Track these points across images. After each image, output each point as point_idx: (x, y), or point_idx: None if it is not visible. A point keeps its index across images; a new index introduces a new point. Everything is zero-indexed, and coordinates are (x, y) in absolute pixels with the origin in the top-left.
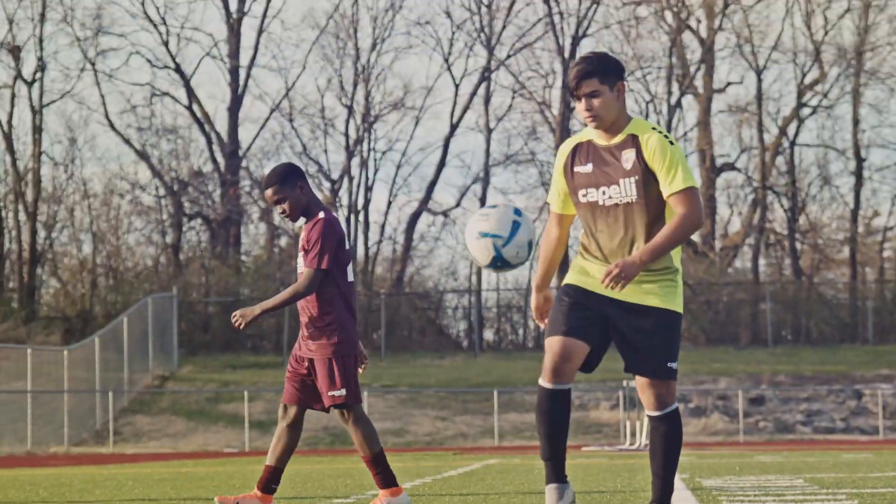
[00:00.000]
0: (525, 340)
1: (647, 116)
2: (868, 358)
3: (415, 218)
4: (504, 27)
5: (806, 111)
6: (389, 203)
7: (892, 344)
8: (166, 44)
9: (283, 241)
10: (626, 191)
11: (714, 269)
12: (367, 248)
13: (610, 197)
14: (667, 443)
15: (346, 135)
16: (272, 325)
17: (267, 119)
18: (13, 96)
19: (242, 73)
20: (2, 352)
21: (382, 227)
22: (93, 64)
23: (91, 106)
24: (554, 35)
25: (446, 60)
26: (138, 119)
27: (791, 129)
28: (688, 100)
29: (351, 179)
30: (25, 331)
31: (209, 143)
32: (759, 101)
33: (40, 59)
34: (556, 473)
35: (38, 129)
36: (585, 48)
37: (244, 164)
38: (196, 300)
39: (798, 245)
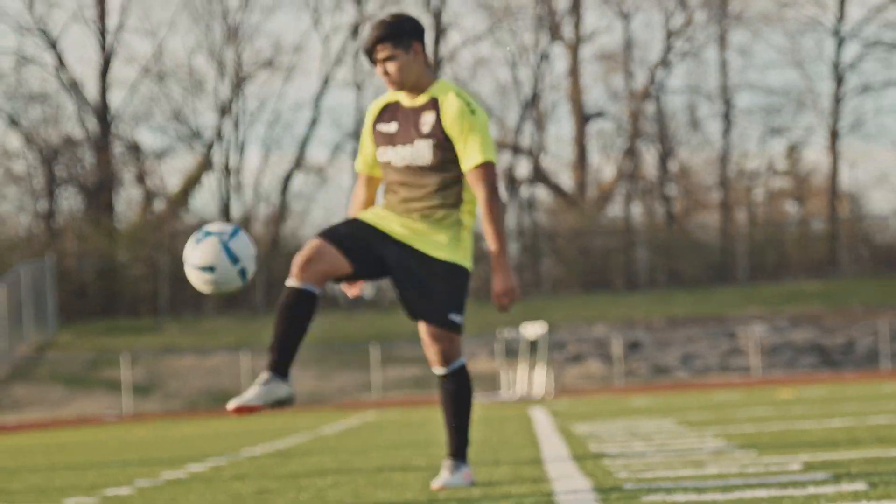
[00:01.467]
0: None
1: (516, 68)
2: (740, 299)
3: (289, 176)
4: None
5: (673, 57)
6: (263, 163)
7: (764, 284)
8: (30, 7)
9: (158, 205)
10: (420, 153)
11: (587, 218)
12: (242, 210)
13: (403, 157)
14: (456, 401)
15: (217, 95)
16: (148, 290)
17: (137, 82)
18: None
19: (110, 37)
20: None
21: (256, 187)
22: None
23: None
24: None
25: (315, 16)
26: (5, 86)
27: (659, 76)
28: (557, 49)
29: (223, 141)
30: None
31: (79, 108)
32: (626, 48)
33: None
34: (273, 364)
35: None
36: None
37: (115, 128)
38: (72, 267)
39: (669, 190)
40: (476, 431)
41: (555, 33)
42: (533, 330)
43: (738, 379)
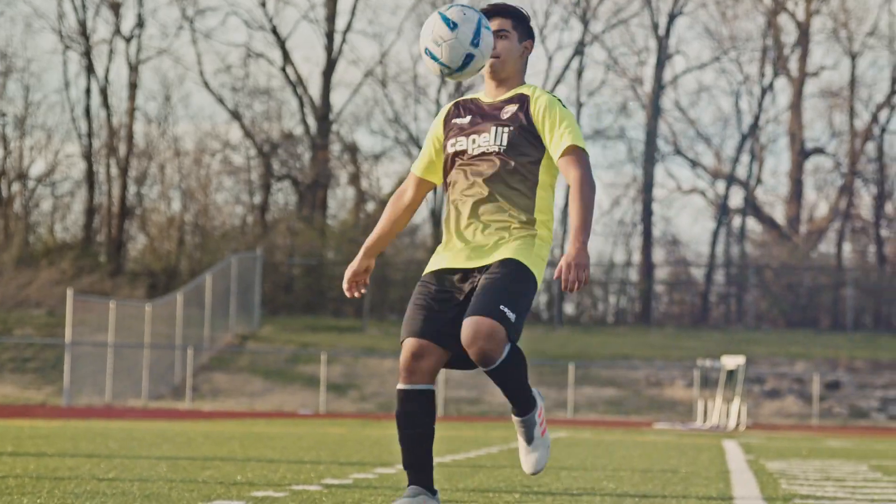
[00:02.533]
0: (605, 315)
1: (739, 97)
2: None
3: None
4: (600, 1)
5: None
6: None
7: None
8: (263, 5)
9: (370, 207)
10: (495, 139)
11: (798, 253)
12: None
13: (479, 145)
14: (508, 382)
15: (438, 103)
16: None
17: (360, 84)
18: (111, 52)
19: (338, 38)
20: (86, 304)
21: None
22: (191, 22)
23: (186, 64)
24: (650, 11)
25: (540, 32)
26: (232, 79)
27: (883, 116)
28: (781, 82)
29: None
30: (111, 284)
31: (301, 105)
32: (851, 86)
33: (139, 15)
34: (415, 478)
35: (133, 86)
36: (680, 26)
37: (335, 128)
38: (280, 261)
39: (884, 232)
40: (668, 459)
41: (780, 66)
42: (732, 361)
43: None
